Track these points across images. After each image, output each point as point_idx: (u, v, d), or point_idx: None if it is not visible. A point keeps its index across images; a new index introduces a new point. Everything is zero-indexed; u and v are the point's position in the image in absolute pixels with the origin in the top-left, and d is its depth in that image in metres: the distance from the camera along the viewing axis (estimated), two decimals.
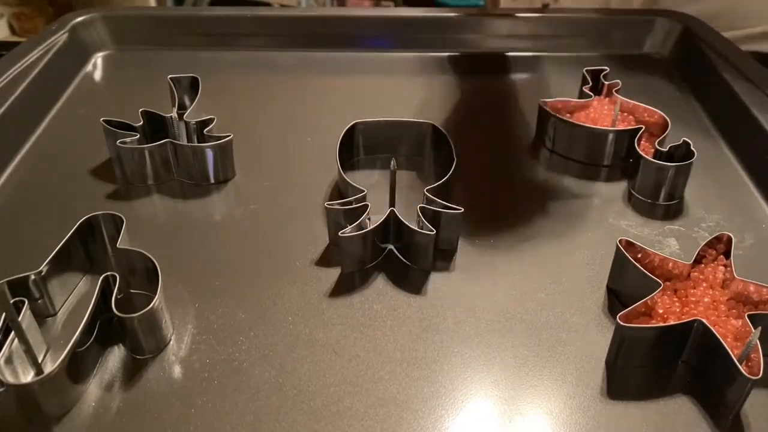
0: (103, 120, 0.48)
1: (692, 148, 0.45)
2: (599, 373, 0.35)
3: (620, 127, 0.50)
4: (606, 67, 0.54)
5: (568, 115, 0.52)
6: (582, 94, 0.53)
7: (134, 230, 0.40)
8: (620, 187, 0.49)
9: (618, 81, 0.53)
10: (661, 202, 0.46)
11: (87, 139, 0.51)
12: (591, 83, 0.54)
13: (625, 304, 0.37)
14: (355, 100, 0.60)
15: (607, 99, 0.53)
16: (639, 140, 0.48)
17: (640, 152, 0.46)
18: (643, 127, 0.48)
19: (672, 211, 0.46)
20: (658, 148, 0.47)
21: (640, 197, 0.47)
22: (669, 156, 0.46)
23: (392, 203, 0.41)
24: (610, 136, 0.49)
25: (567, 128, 0.51)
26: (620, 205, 0.47)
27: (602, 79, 0.54)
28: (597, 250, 0.42)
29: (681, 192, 0.47)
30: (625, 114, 0.52)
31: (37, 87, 0.55)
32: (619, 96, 0.51)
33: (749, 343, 0.32)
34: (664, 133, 0.49)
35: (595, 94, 0.53)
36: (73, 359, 0.32)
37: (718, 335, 0.32)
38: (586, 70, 0.54)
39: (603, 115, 0.51)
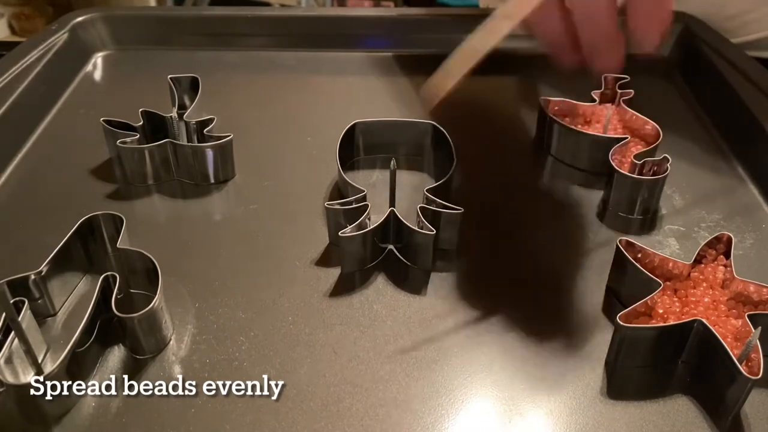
0: (103, 120, 0.48)
1: (668, 165, 0.44)
2: (599, 373, 0.35)
3: (610, 134, 0.49)
4: (626, 76, 0.52)
5: (568, 119, 0.51)
6: (591, 98, 0.53)
7: (134, 230, 0.40)
8: None
9: (631, 91, 0.52)
10: (636, 215, 0.45)
11: (87, 139, 0.51)
12: (604, 88, 0.53)
13: (625, 304, 0.37)
14: (355, 100, 0.60)
15: (602, 105, 0.52)
16: (623, 150, 0.47)
17: (613, 164, 0.45)
18: (628, 137, 0.48)
19: (671, 211, 0.46)
20: (634, 161, 0.45)
21: (617, 211, 0.46)
22: (644, 169, 0.45)
23: (392, 203, 0.41)
24: (601, 142, 0.48)
25: (564, 132, 0.50)
26: None
27: (616, 87, 0.52)
28: (597, 250, 0.42)
29: (655, 206, 0.46)
30: (620, 121, 0.51)
31: (37, 87, 0.55)
32: (624, 105, 0.51)
33: (749, 343, 0.32)
34: (656, 142, 0.48)
35: (609, 100, 0.52)
36: (73, 359, 0.32)
37: (718, 335, 0.32)
38: (605, 76, 0.53)
39: (601, 120, 0.51)
